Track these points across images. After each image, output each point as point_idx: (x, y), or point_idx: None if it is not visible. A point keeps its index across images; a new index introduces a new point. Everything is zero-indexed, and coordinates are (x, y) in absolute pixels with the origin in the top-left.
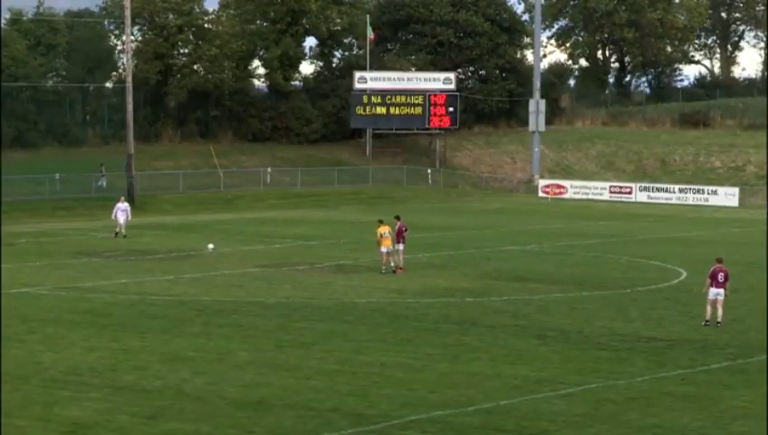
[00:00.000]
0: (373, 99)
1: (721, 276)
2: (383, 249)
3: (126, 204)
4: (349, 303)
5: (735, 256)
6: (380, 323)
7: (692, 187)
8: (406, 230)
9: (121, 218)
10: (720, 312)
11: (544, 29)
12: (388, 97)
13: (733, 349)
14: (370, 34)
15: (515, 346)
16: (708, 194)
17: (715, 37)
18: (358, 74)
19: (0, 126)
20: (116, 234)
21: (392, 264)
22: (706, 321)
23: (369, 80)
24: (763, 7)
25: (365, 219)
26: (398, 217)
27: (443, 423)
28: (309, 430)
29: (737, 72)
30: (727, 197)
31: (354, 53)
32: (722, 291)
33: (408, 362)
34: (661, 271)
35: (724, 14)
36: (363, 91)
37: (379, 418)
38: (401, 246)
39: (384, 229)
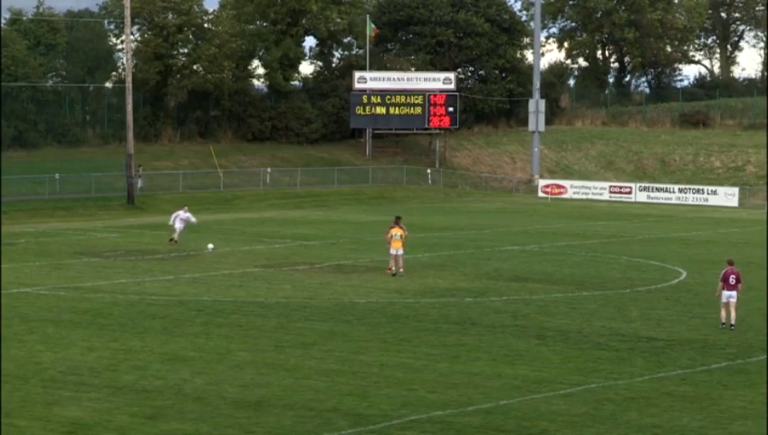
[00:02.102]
0: (373, 99)
1: (732, 278)
2: (392, 251)
3: (189, 213)
4: (348, 303)
5: (736, 256)
6: (380, 324)
7: (692, 187)
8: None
9: (178, 225)
10: (733, 314)
11: (544, 29)
12: (388, 97)
13: (732, 349)
14: (371, 32)
15: (515, 346)
16: (708, 194)
17: (714, 37)
18: (357, 74)
19: (0, 126)
20: (171, 240)
21: (393, 267)
22: (722, 323)
23: (369, 80)
24: (762, 7)
25: (365, 219)
26: (398, 218)
27: (443, 423)
28: (308, 430)
29: (737, 72)
30: (727, 197)
31: (354, 52)
32: (734, 293)
33: (407, 362)
34: (661, 271)
35: (723, 14)
36: (363, 91)
37: (379, 418)
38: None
39: (396, 231)
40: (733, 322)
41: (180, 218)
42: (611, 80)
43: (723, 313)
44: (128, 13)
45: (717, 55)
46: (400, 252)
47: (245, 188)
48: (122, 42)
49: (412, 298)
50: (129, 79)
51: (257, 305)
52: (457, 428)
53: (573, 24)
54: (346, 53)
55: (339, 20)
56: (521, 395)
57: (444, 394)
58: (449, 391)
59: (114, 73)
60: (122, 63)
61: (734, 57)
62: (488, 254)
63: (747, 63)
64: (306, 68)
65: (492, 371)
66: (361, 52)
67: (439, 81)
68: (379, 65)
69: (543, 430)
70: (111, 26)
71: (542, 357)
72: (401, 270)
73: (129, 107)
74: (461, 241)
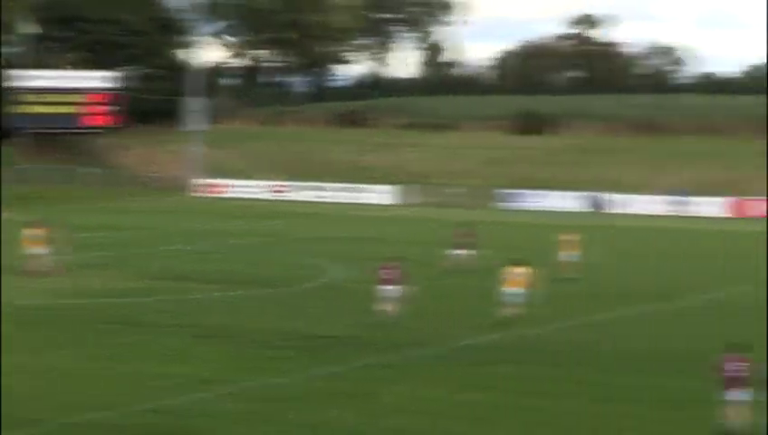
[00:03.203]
0: (30, 97)
1: (385, 273)
2: (31, 251)
3: None
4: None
5: (393, 253)
6: (36, 325)
7: (349, 185)
8: (46, 231)
9: None
10: (388, 308)
11: (205, 28)
12: (46, 95)
13: (384, 345)
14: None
15: (174, 346)
16: (365, 193)
17: (373, 38)
18: (13, 72)
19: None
20: None
21: (40, 268)
22: (380, 316)
23: (26, 78)
24: (413, 8)
25: (18, 219)
26: (38, 221)
27: (100, 426)
28: None
29: (395, 72)
30: (383, 195)
31: (12, 51)
32: (388, 288)
33: (64, 365)
34: (317, 269)
35: (377, 15)
36: (19, 89)
37: (33, 422)
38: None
39: (31, 232)
40: (390, 314)
41: None
42: (272, 80)
43: (379, 308)
44: None
45: (375, 56)
46: (37, 252)
47: None
48: None
49: (70, 299)
50: None
51: None
52: (116, 430)
53: (236, 24)
54: (3, 49)
55: None
56: (180, 394)
57: (102, 396)
58: (108, 392)
59: None
60: None
61: (390, 58)
62: (148, 254)
63: (404, 64)
64: None
65: (151, 371)
66: (19, 50)
67: (99, 79)
68: (36, 63)
69: (200, 429)
70: None
71: (201, 356)
72: (50, 271)
73: None
74: (122, 241)
